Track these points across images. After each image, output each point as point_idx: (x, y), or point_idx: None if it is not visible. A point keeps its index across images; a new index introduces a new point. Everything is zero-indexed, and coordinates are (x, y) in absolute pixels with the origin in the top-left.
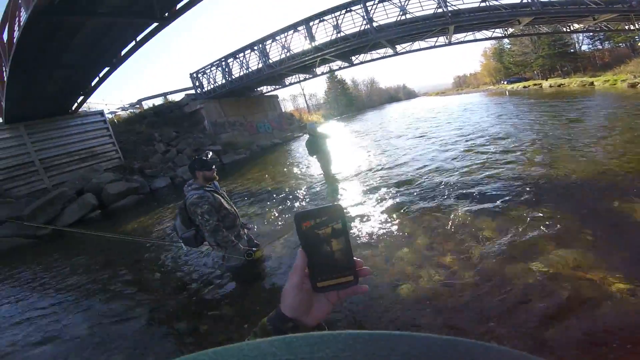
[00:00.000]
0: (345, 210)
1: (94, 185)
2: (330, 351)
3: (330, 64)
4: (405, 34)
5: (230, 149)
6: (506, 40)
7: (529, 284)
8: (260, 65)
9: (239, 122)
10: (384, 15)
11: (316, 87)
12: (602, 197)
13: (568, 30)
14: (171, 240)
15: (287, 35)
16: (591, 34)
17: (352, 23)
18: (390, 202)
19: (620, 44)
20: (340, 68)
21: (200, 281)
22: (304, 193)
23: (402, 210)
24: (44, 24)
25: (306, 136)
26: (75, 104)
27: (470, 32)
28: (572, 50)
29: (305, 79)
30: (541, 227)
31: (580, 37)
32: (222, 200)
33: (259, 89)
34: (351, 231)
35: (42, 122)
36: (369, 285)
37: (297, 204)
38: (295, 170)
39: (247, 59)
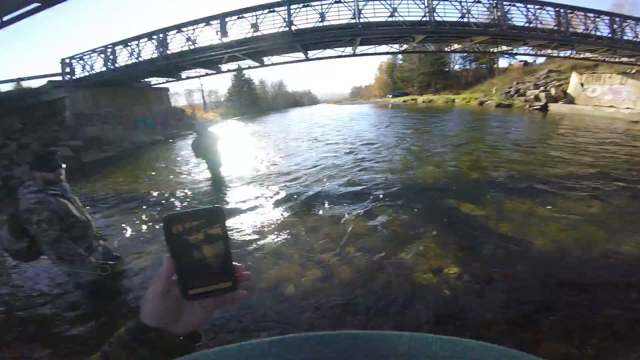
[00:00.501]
0: (225, 213)
1: None
2: (330, 351)
3: (240, 62)
4: (319, 41)
5: (94, 146)
6: (400, 56)
7: (392, 273)
8: (155, 55)
9: (111, 114)
10: (304, 19)
11: (218, 83)
12: (442, 197)
13: (449, 49)
14: None
15: (197, 27)
16: (465, 54)
17: (272, 23)
18: (277, 204)
19: (482, 65)
20: (249, 67)
21: (42, 301)
22: (185, 198)
23: (288, 213)
24: None
25: (195, 135)
26: None
27: (373, 46)
28: (446, 69)
29: (207, 74)
30: (400, 223)
31: (456, 57)
32: (70, 205)
33: (146, 79)
34: (239, 235)
35: None
36: (258, 288)
37: (174, 210)
38: (177, 172)
39: (141, 48)
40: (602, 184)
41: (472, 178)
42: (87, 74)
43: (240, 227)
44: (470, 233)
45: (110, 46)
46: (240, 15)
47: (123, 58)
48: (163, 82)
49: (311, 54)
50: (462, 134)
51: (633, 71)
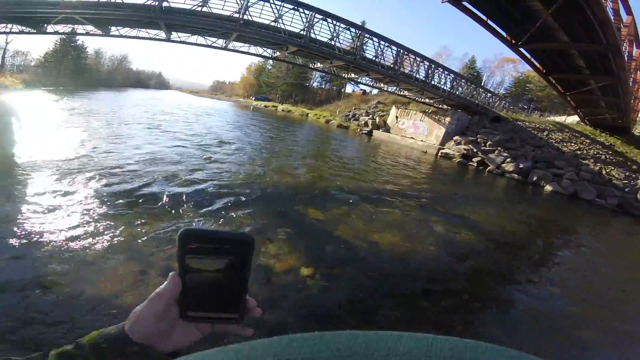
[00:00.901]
0: (255, 245)
1: None
2: (330, 351)
3: (77, 26)
4: (190, 25)
5: None
6: (270, 62)
7: (251, 277)
8: None
9: None
10: None
11: (32, 43)
12: (291, 202)
13: (312, 66)
14: None
15: None
16: (324, 74)
17: None
18: (95, 200)
19: (334, 87)
20: (87, 33)
21: None
22: None
23: (108, 212)
24: None
25: None
26: None
27: (247, 45)
28: (307, 85)
29: (21, 32)
30: (252, 227)
31: (316, 75)
32: None
33: None
34: (37, 237)
35: None
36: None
37: None
38: None
39: None
40: (400, 197)
41: (316, 186)
42: None
43: (39, 226)
44: (316, 236)
45: None
46: None
47: None
48: None
49: (175, 35)
50: (310, 146)
51: (430, 110)
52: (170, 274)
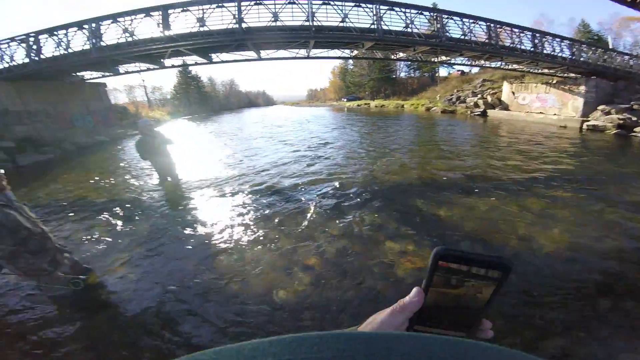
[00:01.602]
0: (512, 270)
1: None
2: (330, 351)
3: (185, 58)
4: (272, 41)
5: (30, 147)
6: (351, 62)
7: (378, 274)
8: (87, 47)
9: (44, 112)
10: (256, 18)
11: (162, 79)
12: (408, 196)
13: (395, 57)
14: None
15: (135, 18)
16: (409, 63)
17: (220, 19)
18: (247, 208)
19: (425, 74)
20: (196, 64)
21: (24, 318)
22: (144, 204)
23: (260, 216)
24: None
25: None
26: None
27: (326, 50)
28: (393, 77)
29: (148, 69)
30: (374, 224)
31: (402, 65)
32: (19, 217)
33: (79, 73)
34: (208, 241)
35: None
36: (244, 297)
37: (139, 217)
38: (131, 175)
39: (70, 38)
40: (544, 182)
41: (433, 178)
42: (7, 65)
43: (207, 233)
44: (443, 232)
45: (32, 35)
46: (185, 8)
47: (49, 49)
48: (99, 77)
49: (264, 53)
50: (416, 136)
51: (554, 81)
52: (415, 288)
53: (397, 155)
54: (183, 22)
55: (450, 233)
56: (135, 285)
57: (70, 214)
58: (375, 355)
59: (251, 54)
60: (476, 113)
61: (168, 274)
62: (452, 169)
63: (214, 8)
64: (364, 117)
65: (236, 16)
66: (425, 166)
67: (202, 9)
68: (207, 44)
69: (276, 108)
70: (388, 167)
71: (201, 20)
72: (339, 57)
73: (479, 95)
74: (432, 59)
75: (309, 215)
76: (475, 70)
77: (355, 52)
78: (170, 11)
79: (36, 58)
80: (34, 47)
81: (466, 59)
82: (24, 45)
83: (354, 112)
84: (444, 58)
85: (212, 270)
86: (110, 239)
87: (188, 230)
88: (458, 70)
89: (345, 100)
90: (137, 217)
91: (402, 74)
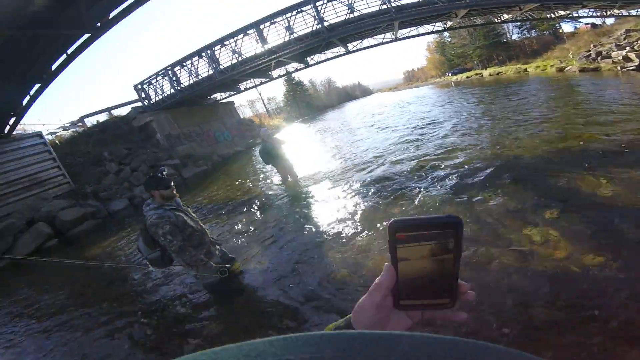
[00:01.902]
0: (463, 225)
1: (44, 214)
2: (330, 351)
3: (286, 66)
4: (355, 32)
5: (190, 162)
6: (446, 34)
7: (507, 265)
8: (210, 72)
9: (195, 132)
10: (334, 14)
11: (274, 90)
12: (552, 175)
13: (499, 20)
14: (138, 263)
15: (237, 39)
16: (519, 23)
17: (304, 24)
18: (366, 199)
19: (544, 32)
20: (296, 70)
21: (179, 302)
22: (274, 200)
23: (374, 204)
24: None
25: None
26: (7, 127)
27: (414, 27)
28: (504, 40)
29: (261, 83)
30: (507, 208)
31: (510, 27)
32: (186, 218)
33: (212, 96)
34: (335, 231)
35: None
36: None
37: (269, 215)
38: (261, 177)
39: (196, 66)
40: None
41: (585, 149)
42: (160, 97)
43: (328, 224)
44: (606, 216)
45: (169, 68)
46: (272, 21)
47: (184, 78)
48: (227, 97)
49: (351, 46)
50: (554, 102)
51: None
52: (385, 264)
53: (529, 126)
54: (275, 34)
55: (618, 219)
56: (266, 275)
57: (220, 212)
58: (375, 355)
59: (340, 49)
60: (630, 68)
61: (296, 262)
62: (611, 137)
63: (295, 14)
64: (476, 89)
65: (316, 17)
66: (572, 136)
67: (286, 18)
68: (301, 49)
69: (374, 97)
70: (519, 140)
71: (289, 29)
72: (431, 32)
73: (627, 48)
74: (548, 15)
75: (423, 199)
76: (609, 21)
77: (449, 23)
78: (261, 26)
79: (178, 87)
80: (174, 78)
81: (592, 10)
82: (166, 78)
83: (464, 85)
84: (562, 13)
85: (333, 261)
86: (248, 232)
87: (310, 223)
88: (587, 24)
89: (450, 74)
90: (267, 213)
91: (515, 37)
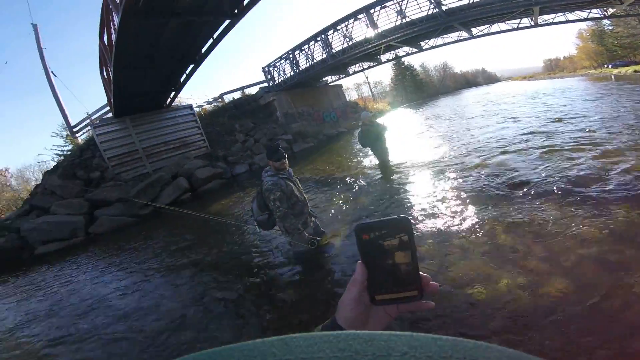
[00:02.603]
0: (411, 224)
1: (185, 171)
2: (330, 351)
3: (396, 50)
4: (481, 17)
5: (300, 138)
6: (606, 21)
7: (634, 294)
8: (324, 56)
9: (307, 112)
10: None
11: (381, 74)
12: None
13: None
14: (249, 223)
15: (348, 24)
16: None
17: (417, 7)
18: (463, 193)
19: None
20: (407, 54)
21: (270, 264)
22: (368, 183)
23: (478, 201)
24: (133, 25)
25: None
26: (169, 99)
27: (561, 13)
28: None
29: (369, 67)
30: None
31: None
32: (294, 187)
33: (323, 79)
34: (418, 226)
35: (143, 116)
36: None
37: (361, 196)
38: (359, 159)
39: (312, 50)
40: None
41: None
42: (282, 78)
43: (418, 217)
44: None
45: (290, 52)
46: (382, 5)
47: (302, 61)
48: (336, 80)
49: (476, 30)
50: None
51: None
52: (357, 262)
53: None
54: (386, 18)
55: None
56: (345, 256)
57: (319, 187)
58: (375, 355)
59: (461, 34)
60: None
61: None
62: None
63: None
64: None
65: (432, 0)
66: None
67: (398, 2)
68: (414, 33)
69: (501, 85)
70: None
71: (401, 13)
72: (584, 19)
73: None
74: None
75: (541, 204)
76: None
77: (612, 10)
78: (372, 10)
79: (296, 70)
80: (294, 61)
81: None
82: (288, 61)
83: (629, 80)
84: None
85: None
86: (340, 208)
87: (399, 208)
88: None
89: (610, 66)
90: (361, 192)
91: None
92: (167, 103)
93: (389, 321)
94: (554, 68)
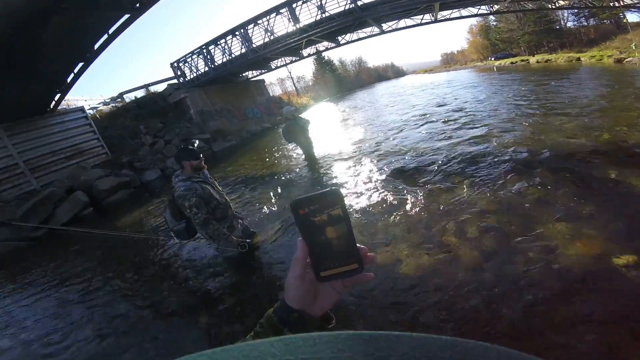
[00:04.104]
0: (342, 195)
1: (83, 183)
2: (330, 351)
3: (317, 45)
4: (391, 12)
5: (220, 137)
6: (492, 17)
7: (531, 260)
8: (243, 51)
9: (226, 109)
10: None
11: (304, 69)
12: (595, 167)
13: (553, 7)
14: (165, 235)
15: (270, 18)
16: (576, 10)
17: (336, 2)
18: (383, 179)
19: (605, 21)
20: (327, 49)
21: (199, 273)
22: (296, 177)
23: (395, 188)
24: (7, 22)
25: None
26: (53, 102)
27: (456, 10)
28: (557, 27)
29: (292, 62)
30: (540, 200)
31: (565, 14)
32: (212, 190)
33: (244, 74)
34: (357, 208)
35: (21, 123)
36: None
37: (291, 189)
38: (285, 154)
39: (230, 45)
40: None
41: (632, 142)
42: (195, 75)
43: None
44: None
45: (204, 47)
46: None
47: (218, 56)
48: (258, 75)
49: (386, 26)
50: (607, 92)
51: None
52: (298, 239)
53: (572, 114)
54: (307, 13)
55: None
56: (284, 250)
57: (244, 186)
58: (375, 355)
59: (373, 29)
60: None
61: None
62: None
63: None
64: (519, 75)
65: None
66: (621, 128)
67: None
68: (332, 27)
69: (406, 78)
70: (560, 129)
71: (321, 7)
72: (475, 15)
73: None
74: (612, 4)
75: (450, 186)
76: None
77: (497, 6)
78: (294, 5)
79: (212, 66)
80: (208, 57)
81: None
82: (201, 56)
83: (507, 70)
84: (628, 1)
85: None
86: (269, 207)
87: None
88: None
89: (493, 59)
90: (290, 186)
91: (570, 24)
92: (52, 107)
93: (338, 297)
94: (449, 61)
